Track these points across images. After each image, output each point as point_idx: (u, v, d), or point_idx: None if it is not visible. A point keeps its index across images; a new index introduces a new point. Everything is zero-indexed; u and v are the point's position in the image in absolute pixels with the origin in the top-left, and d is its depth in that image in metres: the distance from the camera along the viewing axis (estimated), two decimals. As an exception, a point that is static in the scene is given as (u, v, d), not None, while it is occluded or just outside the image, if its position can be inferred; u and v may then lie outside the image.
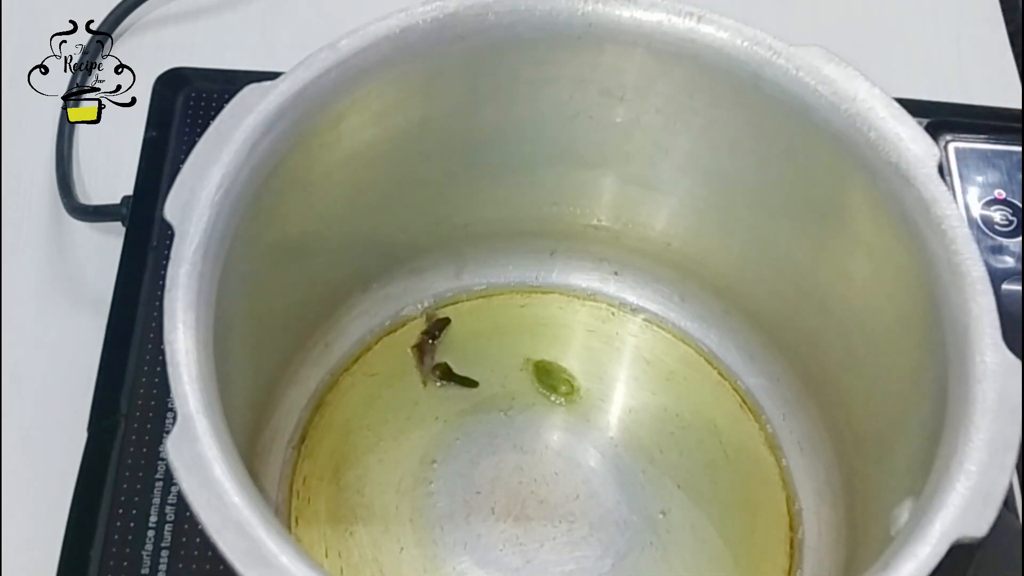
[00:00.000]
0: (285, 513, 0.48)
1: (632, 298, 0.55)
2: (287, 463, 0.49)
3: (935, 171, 0.41)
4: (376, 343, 0.53)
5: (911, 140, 0.41)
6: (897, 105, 0.42)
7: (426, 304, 0.54)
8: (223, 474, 0.34)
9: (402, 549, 0.48)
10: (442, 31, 0.43)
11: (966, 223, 0.40)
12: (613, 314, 0.55)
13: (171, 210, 0.38)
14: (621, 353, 0.54)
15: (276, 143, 0.41)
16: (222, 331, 0.38)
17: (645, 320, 0.54)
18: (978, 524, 0.34)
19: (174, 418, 0.35)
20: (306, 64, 0.41)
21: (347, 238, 0.49)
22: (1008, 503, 0.49)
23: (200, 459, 0.34)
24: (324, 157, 0.44)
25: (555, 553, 0.48)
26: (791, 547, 0.49)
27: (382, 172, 0.47)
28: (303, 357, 0.51)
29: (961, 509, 0.35)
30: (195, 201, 0.38)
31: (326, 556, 0.47)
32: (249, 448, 0.45)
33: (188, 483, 0.34)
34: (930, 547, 0.34)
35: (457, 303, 0.54)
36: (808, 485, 0.50)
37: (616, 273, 0.55)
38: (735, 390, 0.53)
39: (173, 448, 0.34)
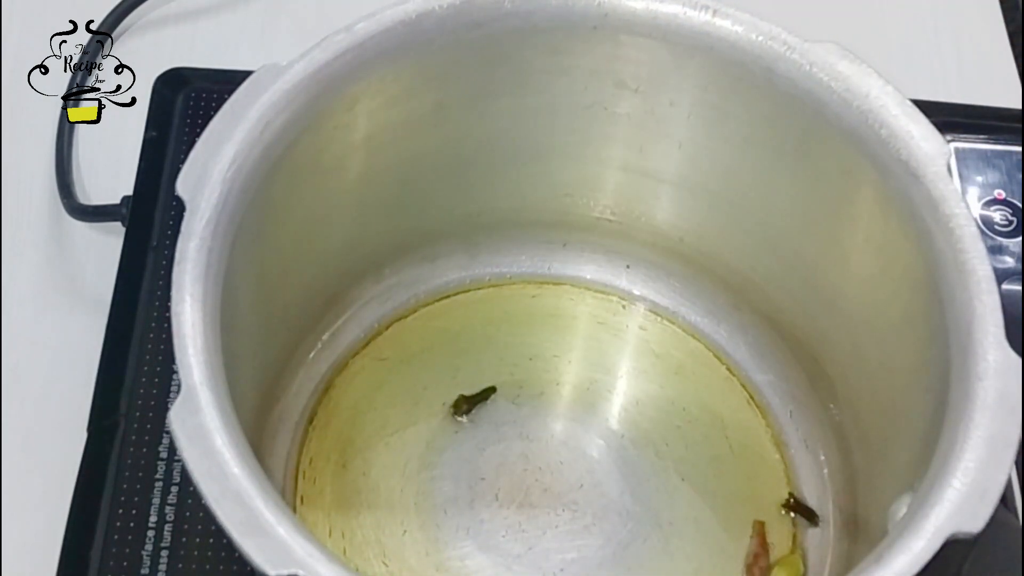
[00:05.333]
0: (291, 492, 0.48)
1: (643, 291, 0.55)
2: (294, 443, 0.50)
3: (945, 169, 0.41)
4: (387, 328, 0.53)
5: (922, 138, 0.41)
6: (909, 103, 0.42)
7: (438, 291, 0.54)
8: (224, 445, 0.34)
9: (405, 532, 0.48)
10: (458, 17, 0.43)
11: (974, 222, 0.40)
12: (623, 307, 0.55)
13: (183, 185, 0.38)
14: (630, 346, 0.54)
15: (290, 123, 0.41)
16: (229, 307, 0.38)
17: (655, 314, 0.54)
18: (973, 520, 0.34)
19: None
20: (322, 46, 0.42)
21: (359, 223, 0.49)
22: (1008, 502, 0.49)
23: (202, 429, 0.34)
24: (337, 139, 0.44)
25: (557, 541, 0.48)
26: (793, 542, 0.49)
27: (395, 158, 0.48)
28: (313, 339, 0.51)
29: (956, 505, 0.34)
30: (207, 177, 0.38)
31: (330, 536, 0.48)
32: (256, 427, 0.46)
33: (189, 453, 0.34)
34: (924, 541, 0.34)
35: (468, 291, 0.55)
36: (811, 481, 0.50)
37: (628, 266, 0.55)
38: (743, 386, 0.53)
39: (176, 418, 0.34)
